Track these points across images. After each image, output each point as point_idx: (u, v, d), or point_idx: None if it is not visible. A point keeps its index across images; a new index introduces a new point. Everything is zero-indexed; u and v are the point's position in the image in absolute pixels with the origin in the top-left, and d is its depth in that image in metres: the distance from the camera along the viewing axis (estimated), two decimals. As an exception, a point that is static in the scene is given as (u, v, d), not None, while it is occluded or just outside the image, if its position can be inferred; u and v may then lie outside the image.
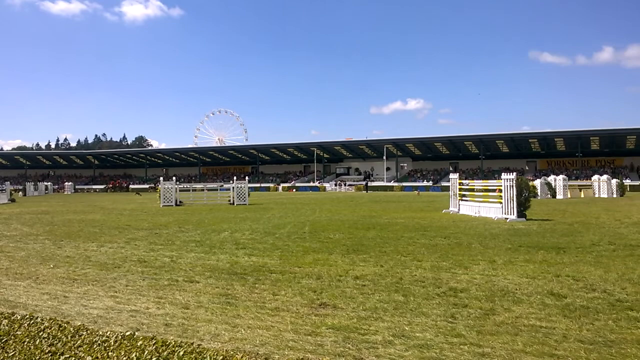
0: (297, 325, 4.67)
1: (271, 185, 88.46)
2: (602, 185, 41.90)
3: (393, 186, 79.42)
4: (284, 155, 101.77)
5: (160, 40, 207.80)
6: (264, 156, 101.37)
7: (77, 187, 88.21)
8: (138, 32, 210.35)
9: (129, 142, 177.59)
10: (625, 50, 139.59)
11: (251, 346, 4.11)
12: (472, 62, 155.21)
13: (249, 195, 30.87)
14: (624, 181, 50.49)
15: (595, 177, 45.32)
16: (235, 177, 32.77)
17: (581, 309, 5.15)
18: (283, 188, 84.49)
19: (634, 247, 9.49)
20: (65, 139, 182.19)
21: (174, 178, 30.73)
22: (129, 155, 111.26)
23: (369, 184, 75.33)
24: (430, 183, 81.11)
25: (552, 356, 3.81)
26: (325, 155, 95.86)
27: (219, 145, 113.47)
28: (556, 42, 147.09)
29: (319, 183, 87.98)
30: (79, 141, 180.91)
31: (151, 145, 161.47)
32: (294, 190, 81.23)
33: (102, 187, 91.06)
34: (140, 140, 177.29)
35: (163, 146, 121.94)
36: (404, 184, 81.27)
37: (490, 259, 8.33)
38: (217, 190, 37.11)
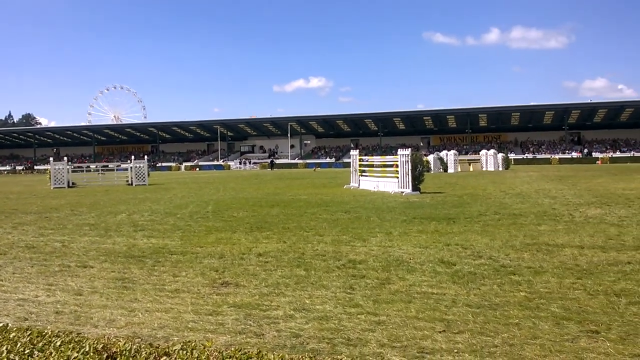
0: (197, 306, 4.64)
1: (173, 164, 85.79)
2: (489, 159, 44.97)
3: (297, 163, 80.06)
4: (186, 134, 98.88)
5: (49, 9, 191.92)
6: (164, 134, 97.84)
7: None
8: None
9: (15, 121, 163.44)
10: (510, 32, 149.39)
11: (149, 330, 4.03)
12: (370, 42, 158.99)
13: (148, 175, 29.77)
14: (509, 155, 54.50)
15: (483, 151, 48.53)
16: (133, 157, 31.38)
17: (469, 275, 5.54)
18: (185, 167, 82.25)
19: (517, 216, 10.33)
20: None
21: (65, 158, 28.82)
22: (15, 135, 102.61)
23: (274, 161, 75.39)
24: (333, 160, 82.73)
25: (442, 321, 4.07)
26: (229, 134, 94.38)
27: (115, 123, 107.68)
28: (447, 23, 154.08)
29: (223, 162, 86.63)
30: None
31: (40, 124, 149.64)
32: (197, 169, 79.38)
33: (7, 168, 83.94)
34: (28, 119, 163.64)
35: (53, 124, 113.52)
36: (308, 161, 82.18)
37: (387, 231, 8.71)
38: (113, 170, 35.45)
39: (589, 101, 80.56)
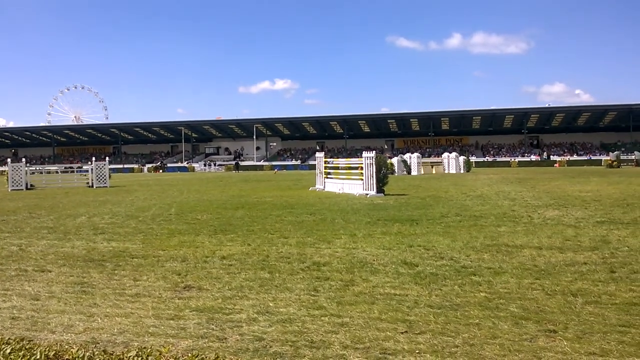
0: (159, 310, 4.55)
1: (135, 166, 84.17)
2: (451, 162, 45.74)
3: (263, 165, 79.72)
4: (149, 135, 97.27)
5: (6, 8, 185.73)
6: (127, 135, 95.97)
7: None
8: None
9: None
10: (471, 37, 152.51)
11: (108, 335, 3.93)
12: (335, 44, 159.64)
13: (110, 177, 29.11)
14: (470, 158, 55.58)
15: (445, 154, 49.33)
16: (94, 158, 30.63)
17: (431, 276, 5.61)
18: (149, 169, 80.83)
19: (478, 217, 10.53)
20: None
21: (23, 159, 27.92)
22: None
23: (240, 163, 74.87)
24: (299, 162, 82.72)
25: (404, 321, 4.11)
26: (194, 135, 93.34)
27: (75, 123, 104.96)
28: (410, 28, 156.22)
29: (187, 163, 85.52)
30: None
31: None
32: (161, 171, 78.12)
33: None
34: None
35: (11, 125, 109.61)
36: (274, 163, 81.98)
37: (351, 232, 8.75)
38: (74, 172, 34.52)
39: (547, 106, 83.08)
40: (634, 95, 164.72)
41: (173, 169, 79.67)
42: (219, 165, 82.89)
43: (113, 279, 5.82)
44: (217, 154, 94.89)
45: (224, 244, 7.93)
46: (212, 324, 4.13)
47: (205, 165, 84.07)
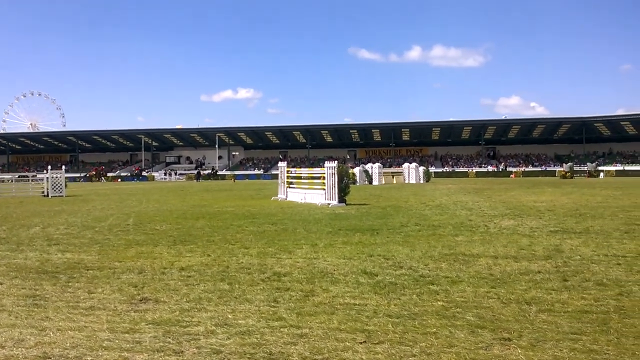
0: (113, 324, 4.44)
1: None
2: (411, 172, 46.46)
3: (225, 175, 78.97)
4: (108, 143, 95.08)
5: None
6: (84, 144, 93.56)
7: None
8: None
9: None
10: (431, 50, 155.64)
11: (60, 350, 3.81)
12: (298, 54, 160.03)
13: (66, 186, 28.31)
14: (429, 168, 56.53)
15: (406, 165, 50.13)
16: (50, 167, 29.70)
17: (390, 285, 5.66)
18: (107, 178, 78.88)
19: (436, 227, 10.71)
20: None
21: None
22: None
23: (201, 172, 73.95)
24: (262, 171, 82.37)
25: (363, 331, 4.13)
26: (154, 144, 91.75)
27: (31, 131, 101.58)
28: (371, 40, 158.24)
29: (147, 172, 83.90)
30: None
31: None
32: (119, 180, 76.38)
33: None
34: None
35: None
36: (236, 172, 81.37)
37: (312, 242, 8.76)
38: (29, 180, 33.41)
39: (503, 118, 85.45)
40: (587, 108, 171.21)
41: (132, 178, 78.05)
42: (180, 174, 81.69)
43: (67, 291, 5.65)
44: (178, 162, 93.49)
45: (183, 255, 7.81)
46: (169, 337, 4.05)
47: (165, 174, 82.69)
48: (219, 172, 79.57)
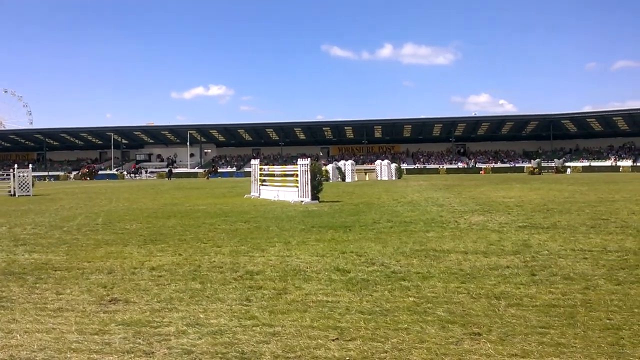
0: (82, 325, 4.35)
1: (61, 173, 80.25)
2: (383, 169, 46.82)
3: (197, 172, 78.24)
4: (77, 141, 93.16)
5: None
6: (52, 142, 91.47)
7: None
8: None
9: None
10: (402, 48, 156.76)
11: (27, 352, 3.72)
12: (270, 51, 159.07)
13: (33, 185, 27.64)
14: (401, 165, 57.10)
15: (378, 162, 50.45)
16: (16, 165, 28.93)
17: (362, 282, 5.70)
18: (75, 176, 77.26)
19: (408, 223, 10.81)
20: None
21: None
22: None
23: (172, 170, 73.01)
24: (234, 169, 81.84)
25: (335, 329, 4.14)
26: (124, 141, 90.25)
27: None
28: (344, 37, 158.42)
29: (117, 171, 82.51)
30: None
31: None
32: (88, 178, 74.89)
33: None
34: None
35: None
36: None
37: (285, 240, 8.75)
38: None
39: (473, 115, 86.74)
40: (554, 105, 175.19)
41: (101, 177, 76.64)
42: (151, 172, 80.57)
43: (34, 292, 5.52)
44: (149, 160, 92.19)
45: (153, 254, 7.71)
46: (139, 338, 3.99)
47: (135, 172, 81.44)
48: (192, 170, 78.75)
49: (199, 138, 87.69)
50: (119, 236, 9.73)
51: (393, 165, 48.50)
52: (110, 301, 5.12)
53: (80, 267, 6.81)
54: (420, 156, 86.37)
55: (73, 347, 3.85)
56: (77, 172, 77.41)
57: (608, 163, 71.74)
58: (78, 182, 61.86)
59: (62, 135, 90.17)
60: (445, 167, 76.48)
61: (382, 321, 4.31)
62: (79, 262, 7.16)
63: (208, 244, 8.50)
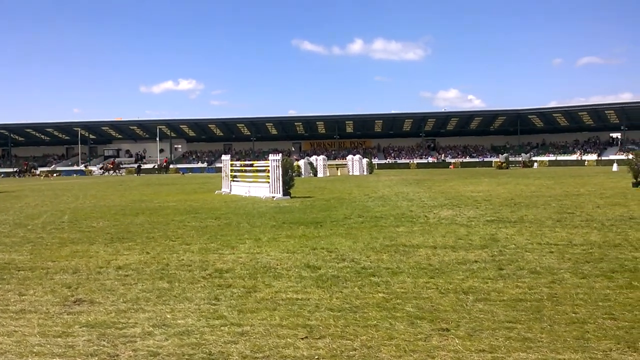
0: (45, 328, 4.24)
1: (37, 171, 78.14)
2: (355, 164, 47.03)
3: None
4: (42, 136, 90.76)
5: None
6: (17, 137, 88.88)
7: None
8: None
9: None
10: (372, 43, 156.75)
11: (-15, 358, 3.60)
12: (240, 44, 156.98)
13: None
14: (373, 160, 57.40)
15: (350, 157, 50.70)
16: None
17: (332, 278, 5.69)
18: (41, 173, 75.36)
19: (378, 218, 10.86)
20: None
21: None
22: None
23: (141, 166, 71.82)
24: (205, 164, 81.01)
25: (305, 327, 4.12)
26: (92, 136, 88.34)
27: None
28: (314, 32, 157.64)
29: (84, 166, 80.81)
30: None
31: None
32: (55, 175, 73.17)
33: None
34: None
35: None
36: (179, 165, 79.68)
37: (256, 237, 8.69)
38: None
39: (442, 110, 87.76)
40: (521, 101, 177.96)
41: (68, 173, 74.97)
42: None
43: (-6, 294, 5.35)
44: (118, 156, 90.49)
45: (120, 253, 7.56)
46: (104, 340, 3.90)
47: (102, 168, 79.89)
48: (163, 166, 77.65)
49: (168, 133, 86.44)
50: (85, 234, 9.52)
51: (365, 161, 48.76)
52: (74, 302, 5.00)
53: (45, 267, 6.64)
54: (391, 151, 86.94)
55: (35, 350, 3.74)
56: (103, 165, 75.73)
57: (574, 157, 73.43)
58: (45, 179, 60.38)
59: (28, 130, 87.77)
60: (415, 161, 77.24)
61: (352, 318, 4.31)
62: (43, 262, 6.98)
63: (177, 242, 8.39)
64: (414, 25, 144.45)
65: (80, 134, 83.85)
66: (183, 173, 63.26)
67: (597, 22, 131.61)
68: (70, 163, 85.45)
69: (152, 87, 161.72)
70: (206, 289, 5.38)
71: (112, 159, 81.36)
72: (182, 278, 5.88)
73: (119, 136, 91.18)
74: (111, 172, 70.60)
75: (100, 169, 69.04)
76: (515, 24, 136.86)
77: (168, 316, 4.47)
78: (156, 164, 76.22)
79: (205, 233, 9.31)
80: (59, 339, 3.96)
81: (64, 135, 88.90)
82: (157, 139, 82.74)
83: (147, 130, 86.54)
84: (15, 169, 75.40)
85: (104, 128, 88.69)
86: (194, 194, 20.70)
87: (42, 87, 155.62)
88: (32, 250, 7.97)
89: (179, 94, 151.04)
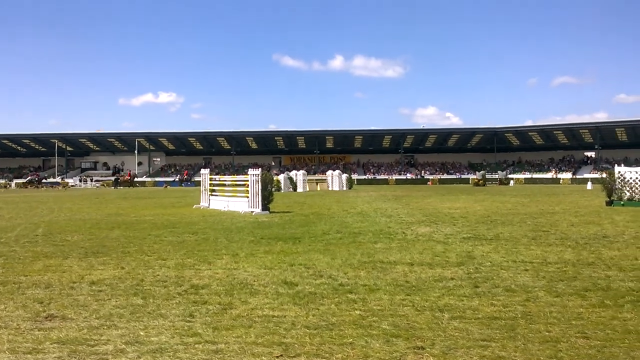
0: (15, 344, 4.14)
1: (1, 181, 76.58)
2: (334, 179, 47.15)
3: (145, 181, 76.41)
4: (19, 148, 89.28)
5: None
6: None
7: None
8: None
9: None
10: (353, 60, 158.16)
11: (-50, 377, 3.50)
12: (221, 58, 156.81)
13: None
14: (352, 176, 57.67)
15: (329, 172, 50.84)
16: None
17: (309, 295, 5.67)
18: (17, 185, 73.92)
19: (357, 234, 10.89)
20: None
21: None
22: None
23: (119, 179, 70.88)
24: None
25: (280, 345, 4.08)
26: (69, 148, 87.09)
27: None
28: (295, 47, 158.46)
29: (60, 179, 79.50)
30: None
31: None
32: (31, 186, 71.74)
33: None
34: None
35: None
36: (157, 179, 78.96)
37: (233, 252, 8.63)
38: None
39: (421, 127, 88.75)
40: (498, 119, 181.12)
41: (44, 184, 73.62)
42: (97, 180, 78.07)
43: (-37, 310, 5.22)
44: (95, 169, 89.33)
45: (94, 267, 7.44)
46: (75, 358, 3.83)
47: (80, 181, 78.75)
48: (138, 179, 76.74)
49: (147, 146, 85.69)
50: (59, 248, 9.35)
51: (344, 176, 48.91)
52: (46, 318, 4.89)
53: (17, 281, 6.50)
54: (370, 167, 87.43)
55: (3, 368, 3.65)
56: (117, 178, 71.05)
57: (549, 175, 74.72)
58: (21, 190, 59.23)
59: (3, 141, 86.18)
60: (394, 177, 77.79)
61: (328, 336, 4.29)
62: (15, 276, 6.83)
63: (152, 257, 8.28)
64: (394, 43, 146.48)
65: (58, 145, 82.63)
66: (166, 186, 62.50)
67: (572, 43, 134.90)
68: (46, 175, 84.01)
69: (132, 100, 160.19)
70: (181, 305, 5.31)
71: (128, 170, 78.44)
72: (157, 294, 5.80)
73: (97, 148, 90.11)
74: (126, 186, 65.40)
75: (115, 181, 64.53)
76: (491, 45, 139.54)
77: (141, 333, 4.40)
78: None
79: (182, 248, 9.22)
80: (29, 356, 3.88)
81: (40, 147, 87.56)
82: (136, 151, 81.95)
83: (126, 143, 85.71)
84: None
85: (81, 140, 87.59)
86: (171, 208, 20.51)
87: (19, 98, 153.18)
88: (4, 264, 7.79)
89: (159, 106, 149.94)
